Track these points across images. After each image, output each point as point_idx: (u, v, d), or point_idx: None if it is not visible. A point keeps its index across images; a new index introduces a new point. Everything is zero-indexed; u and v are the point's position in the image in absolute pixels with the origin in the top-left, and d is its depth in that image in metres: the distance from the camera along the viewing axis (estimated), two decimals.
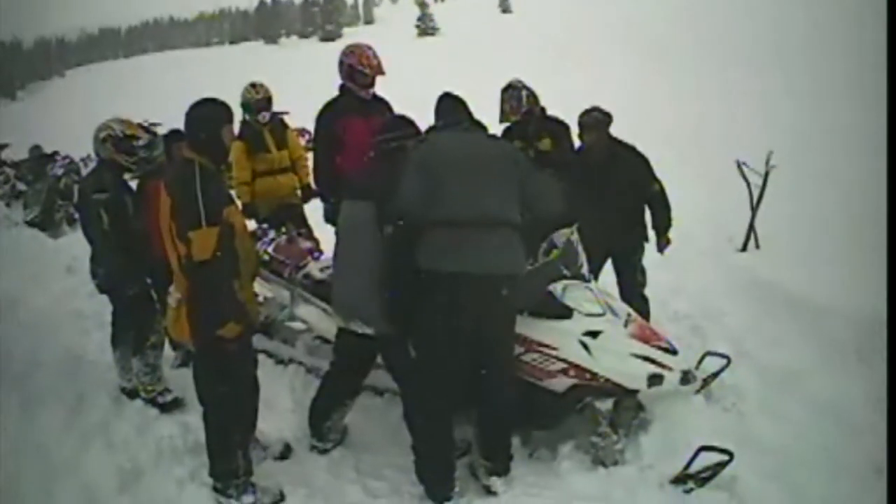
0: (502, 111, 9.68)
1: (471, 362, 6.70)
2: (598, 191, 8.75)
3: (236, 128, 7.41)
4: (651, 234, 9.63)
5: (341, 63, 8.78)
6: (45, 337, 10.55)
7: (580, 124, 9.11)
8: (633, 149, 9.30)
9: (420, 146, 7.01)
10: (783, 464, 6.77)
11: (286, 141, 11.70)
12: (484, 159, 6.80)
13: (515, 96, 9.55)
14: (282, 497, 7.11)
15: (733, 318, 9.95)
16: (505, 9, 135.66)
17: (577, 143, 9.52)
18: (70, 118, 53.76)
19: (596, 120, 9.04)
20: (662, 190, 9.37)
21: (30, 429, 8.15)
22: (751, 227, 12.51)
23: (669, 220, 9.49)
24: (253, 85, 11.48)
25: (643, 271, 9.58)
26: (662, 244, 9.63)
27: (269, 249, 9.08)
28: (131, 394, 8.91)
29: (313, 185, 10.80)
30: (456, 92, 7.49)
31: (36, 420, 8.30)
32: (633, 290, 9.18)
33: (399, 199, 6.67)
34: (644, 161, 9.26)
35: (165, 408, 8.66)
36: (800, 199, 14.12)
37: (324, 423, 7.75)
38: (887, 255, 5.82)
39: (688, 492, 6.51)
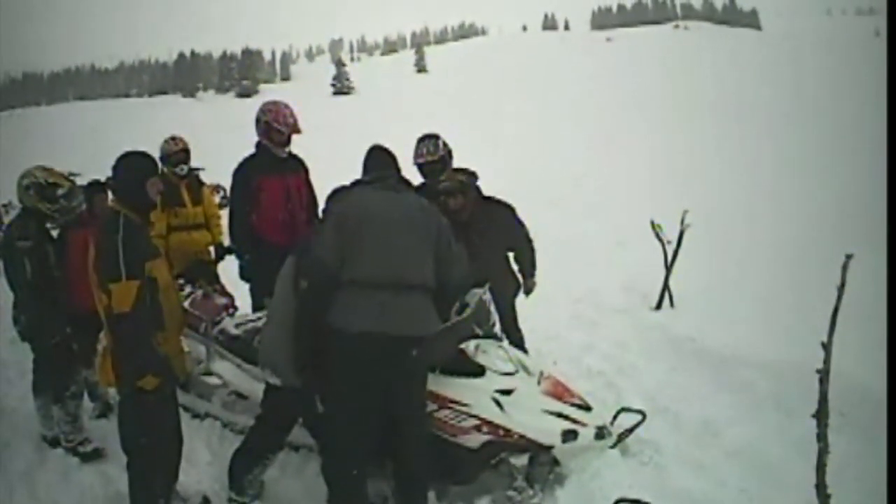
0: (417, 154, 9.64)
1: (382, 420, 6.63)
2: (467, 245, 8.79)
3: None
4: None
5: (258, 120, 8.81)
6: None
7: (442, 190, 9.08)
8: (496, 200, 9.44)
9: (342, 201, 6.91)
10: None
11: (201, 197, 11.66)
12: (405, 220, 6.67)
13: (432, 143, 9.60)
14: None
15: (647, 374, 10.04)
16: (420, 68, 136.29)
17: None
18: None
19: (461, 184, 9.07)
20: (527, 234, 9.55)
21: None
22: (665, 286, 12.62)
23: (534, 261, 9.64)
24: (173, 138, 11.43)
25: (518, 327, 9.59)
26: (529, 285, 9.71)
27: (185, 304, 9.04)
28: (53, 442, 8.84)
29: (226, 244, 10.83)
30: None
31: None
32: (514, 344, 9.03)
33: (314, 255, 6.58)
34: (509, 209, 9.41)
35: (86, 457, 8.58)
36: (714, 259, 14.29)
37: (245, 476, 7.63)
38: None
39: None
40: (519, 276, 9.67)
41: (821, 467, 5.11)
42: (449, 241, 6.89)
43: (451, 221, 8.89)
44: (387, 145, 7.41)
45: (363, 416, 6.49)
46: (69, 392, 8.75)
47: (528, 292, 9.76)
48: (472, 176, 9.20)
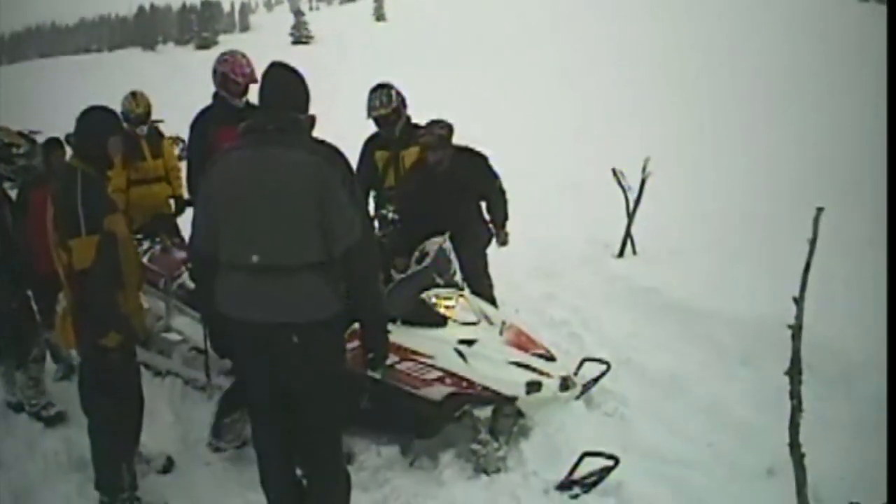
0: (370, 107, 9.59)
1: (282, 411, 5.95)
2: (438, 197, 8.85)
3: None
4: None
5: (215, 71, 8.68)
6: None
7: (423, 144, 9.05)
8: (469, 150, 9.39)
9: (208, 170, 5.81)
10: (670, 467, 6.83)
11: (161, 150, 11.64)
12: (270, 188, 5.44)
13: (385, 93, 9.56)
14: None
15: (611, 324, 10.06)
16: (379, 17, 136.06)
17: None
18: None
19: (440, 138, 9.00)
20: (500, 184, 9.50)
21: None
22: (627, 234, 12.60)
23: (506, 212, 9.59)
24: (134, 95, 11.35)
25: (488, 275, 9.62)
26: (502, 236, 9.70)
27: (144, 260, 8.94)
28: (17, 408, 8.75)
29: (186, 196, 10.74)
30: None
31: None
32: (482, 294, 8.90)
33: (191, 236, 5.94)
34: (483, 159, 9.38)
35: (49, 421, 8.49)
36: (677, 205, 14.26)
37: (222, 418, 7.59)
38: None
39: (574, 497, 6.53)
40: (491, 226, 9.65)
41: (794, 426, 5.05)
42: (336, 205, 5.46)
43: (427, 174, 8.87)
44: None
45: (262, 401, 5.98)
46: (31, 356, 8.63)
47: (502, 243, 9.74)
48: (449, 129, 9.09)
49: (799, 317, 4.96)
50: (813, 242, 4.90)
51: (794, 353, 4.99)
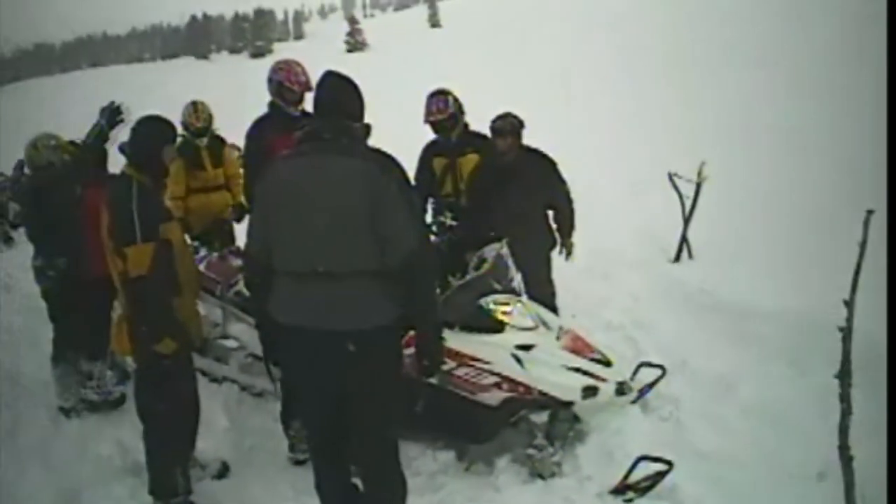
0: (427, 112, 9.60)
1: (338, 419, 5.96)
2: (504, 194, 8.90)
3: None
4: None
5: (270, 80, 8.70)
6: None
7: (494, 129, 9.12)
8: (539, 152, 9.40)
9: (263, 177, 5.87)
10: (723, 470, 6.80)
11: (222, 158, 11.78)
12: (325, 196, 5.47)
13: (441, 100, 9.55)
14: None
15: (667, 328, 10.01)
16: (434, 23, 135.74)
17: None
18: (5, 135, 53.16)
19: (511, 125, 9.08)
20: (569, 193, 9.48)
21: None
22: (683, 238, 12.53)
23: (573, 222, 9.57)
24: (195, 107, 11.52)
25: (551, 282, 9.61)
26: (568, 246, 9.69)
27: (201, 267, 9.01)
28: (70, 412, 8.78)
29: (245, 204, 10.81)
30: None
31: None
32: (544, 300, 8.88)
33: (247, 244, 6.06)
34: (551, 163, 9.37)
35: (116, 403, 8.73)
36: (732, 209, 14.17)
37: (288, 431, 7.70)
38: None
39: (628, 501, 6.52)
40: (556, 234, 9.63)
41: (843, 429, 5.01)
42: (391, 214, 5.44)
43: (495, 164, 8.85)
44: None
45: (314, 410, 6.03)
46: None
47: (568, 253, 9.73)
48: (520, 123, 9.16)
49: (850, 319, 4.92)
50: (863, 245, 4.86)
51: (844, 355, 4.95)
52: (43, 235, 8.58)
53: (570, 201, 9.50)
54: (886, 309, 5.57)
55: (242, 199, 11.25)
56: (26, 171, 9.18)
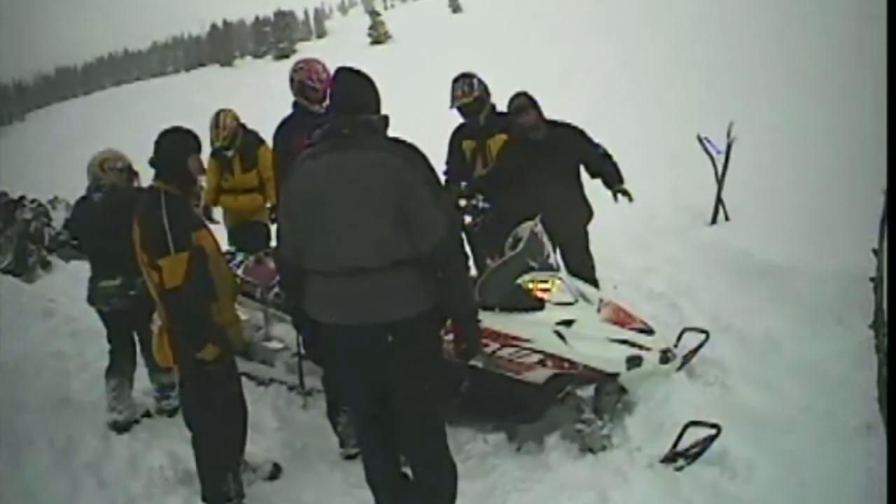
0: (453, 97, 9.64)
1: (383, 411, 5.96)
2: (537, 170, 8.87)
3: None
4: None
5: (292, 80, 8.72)
6: (27, 380, 10.46)
7: (513, 109, 9.11)
8: (564, 123, 9.39)
9: (288, 178, 5.95)
10: (772, 432, 6.79)
11: (256, 161, 11.69)
12: (351, 191, 5.46)
13: (467, 83, 9.58)
14: None
15: (708, 292, 9.97)
16: (455, 8, 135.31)
17: None
18: (34, 161, 53.54)
19: (528, 101, 9.08)
20: (605, 150, 9.43)
21: (17, 473, 8.13)
22: (718, 200, 12.47)
23: (619, 173, 9.44)
24: (217, 121, 11.51)
25: (590, 254, 9.57)
26: (623, 193, 9.40)
27: (239, 272, 9.05)
28: (122, 427, 8.85)
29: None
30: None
31: (24, 464, 8.29)
32: (583, 273, 8.94)
33: (277, 246, 6.10)
34: (579, 132, 9.35)
35: (173, 413, 8.81)
36: (765, 168, 14.10)
37: (336, 428, 7.81)
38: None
39: (679, 469, 6.50)
40: (590, 203, 9.57)
41: (881, 380, 4.99)
42: (418, 204, 5.44)
43: (525, 141, 8.85)
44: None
45: (358, 404, 6.11)
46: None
47: (627, 195, 9.40)
48: (533, 100, 9.14)
49: (880, 269, 4.90)
50: (889, 193, 4.82)
51: (877, 305, 4.93)
52: (121, 256, 8.62)
53: (609, 156, 9.42)
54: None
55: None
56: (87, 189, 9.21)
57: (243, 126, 11.63)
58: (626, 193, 9.39)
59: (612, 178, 9.42)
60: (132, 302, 8.53)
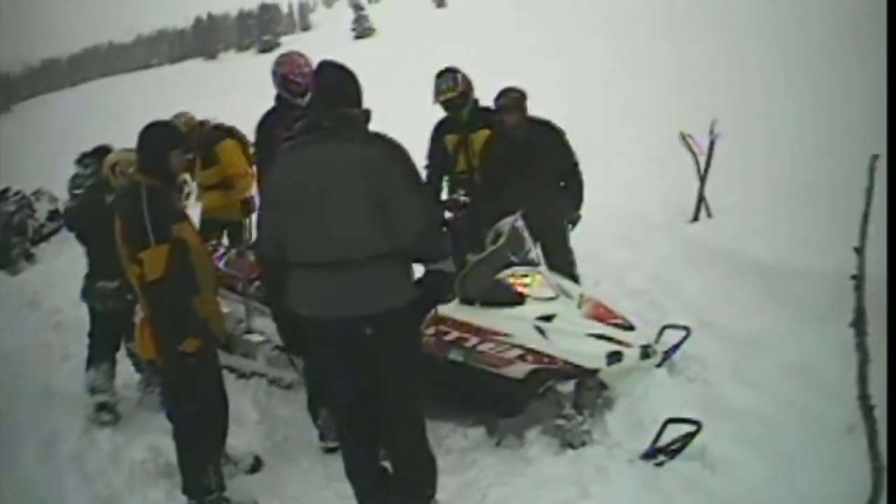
0: (437, 91, 9.64)
1: (363, 404, 5.98)
2: (518, 168, 8.93)
3: None
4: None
5: (274, 73, 8.75)
6: (12, 372, 10.49)
7: (500, 106, 9.15)
8: (547, 122, 9.46)
9: (269, 171, 6.09)
10: (753, 429, 6.81)
11: (216, 157, 11.82)
12: (333, 183, 5.50)
13: (451, 78, 9.59)
14: None
15: (690, 289, 9.99)
16: (439, 3, 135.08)
17: None
18: (19, 153, 53.31)
19: (515, 99, 9.12)
20: (577, 163, 9.53)
21: (3, 463, 8.22)
22: (700, 197, 12.49)
23: (581, 194, 9.60)
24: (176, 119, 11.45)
25: (570, 249, 9.63)
26: (574, 217, 9.70)
27: (220, 265, 9.05)
28: (110, 408, 8.93)
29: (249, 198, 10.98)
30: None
31: (10, 454, 8.36)
32: (563, 269, 8.99)
33: (258, 238, 6.22)
34: (560, 133, 9.44)
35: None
36: (748, 165, 14.13)
37: (317, 422, 7.81)
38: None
39: (659, 465, 6.52)
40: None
41: (862, 378, 4.99)
42: (400, 194, 5.52)
43: (506, 138, 8.90)
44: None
45: (339, 396, 6.07)
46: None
47: (573, 223, 9.73)
48: (523, 96, 9.20)
49: (861, 267, 4.91)
50: (869, 191, 4.84)
51: (858, 303, 4.94)
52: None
53: (578, 173, 9.54)
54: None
55: (247, 194, 11.41)
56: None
57: (202, 123, 11.67)
58: (575, 222, 9.71)
59: (574, 199, 9.63)
60: (128, 304, 8.50)
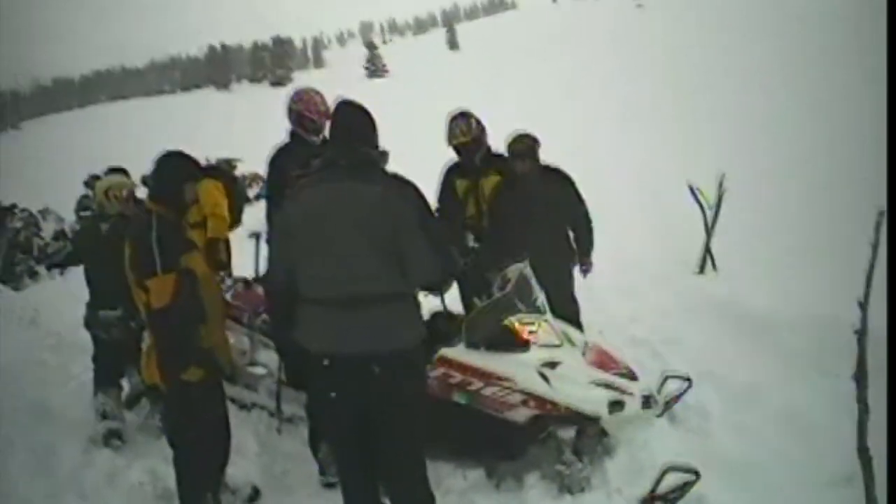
0: (451, 135, 9.60)
1: (365, 441, 5.92)
2: (527, 215, 8.93)
3: None
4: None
5: (290, 109, 8.72)
6: (11, 388, 10.44)
7: (512, 152, 9.14)
8: (558, 170, 9.45)
9: (283, 206, 6.03)
10: (751, 479, 6.84)
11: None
12: (352, 221, 5.52)
13: (465, 122, 9.54)
14: None
15: (692, 340, 10.02)
16: (453, 45, 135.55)
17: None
18: (27, 170, 53.47)
19: (528, 147, 9.13)
20: (587, 211, 9.52)
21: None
22: (706, 250, 12.55)
23: (592, 241, 9.61)
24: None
25: (575, 299, 9.61)
26: (586, 266, 9.71)
27: (227, 296, 9.07)
28: (118, 435, 8.88)
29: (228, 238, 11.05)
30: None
31: (5, 471, 8.34)
32: (568, 317, 8.90)
33: (266, 273, 6.27)
34: (570, 182, 9.43)
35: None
36: (750, 219, 14.16)
37: (317, 455, 7.79)
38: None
39: None
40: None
41: (862, 431, 5.06)
42: (412, 235, 5.52)
43: (516, 185, 8.92)
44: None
45: (341, 435, 6.04)
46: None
47: (585, 272, 9.75)
48: (535, 142, 9.19)
49: (864, 321, 4.96)
50: (875, 247, 4.89)
51: (860, 357, 4.99)
52: (125, 286, 8.69)
53: (588, 220, 9.55)
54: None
55: (218, 234, 11.41)
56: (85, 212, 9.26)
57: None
58: (587, 269, 9.72)
59: (584, 246, 9.62)
60: (132, 333, 8.50)
